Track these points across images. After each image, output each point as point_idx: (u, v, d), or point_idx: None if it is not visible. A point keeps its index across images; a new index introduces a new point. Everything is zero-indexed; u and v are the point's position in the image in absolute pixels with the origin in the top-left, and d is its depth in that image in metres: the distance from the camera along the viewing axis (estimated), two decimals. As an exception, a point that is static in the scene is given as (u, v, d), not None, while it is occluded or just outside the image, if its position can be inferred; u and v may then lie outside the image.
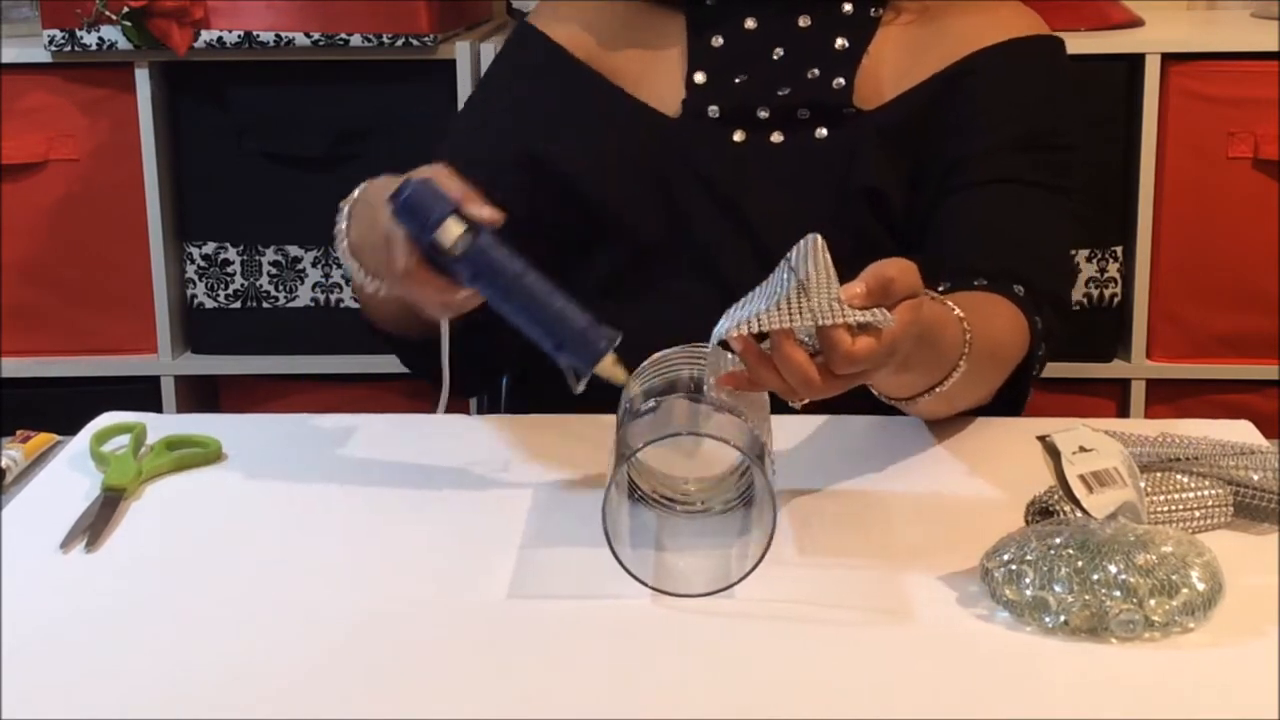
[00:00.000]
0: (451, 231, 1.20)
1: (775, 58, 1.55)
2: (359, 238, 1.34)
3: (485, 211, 1.21)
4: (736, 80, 1.55)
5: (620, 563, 1.10)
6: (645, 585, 1.10)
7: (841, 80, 1.54)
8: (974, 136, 1.52)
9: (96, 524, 1.23)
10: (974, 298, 1.41)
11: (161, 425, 1.42)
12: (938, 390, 1.31)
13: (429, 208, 1.21)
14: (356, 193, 1.37)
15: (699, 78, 1.56)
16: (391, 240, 1.23)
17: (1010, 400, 1.46)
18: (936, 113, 1.53)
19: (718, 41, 1.57)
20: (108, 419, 1.43)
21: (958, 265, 1.45)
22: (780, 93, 1.55)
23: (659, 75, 1.58)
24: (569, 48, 1.59)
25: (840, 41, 1.56)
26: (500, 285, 1.21)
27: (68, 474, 1.35)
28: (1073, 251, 2.20)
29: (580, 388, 1.20)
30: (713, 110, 1.55)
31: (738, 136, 1.56)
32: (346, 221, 1.36)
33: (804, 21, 1.56)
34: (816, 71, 1.55)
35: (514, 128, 1.58)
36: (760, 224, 1.53)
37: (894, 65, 1.56)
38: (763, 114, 1.55)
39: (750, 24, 1.57)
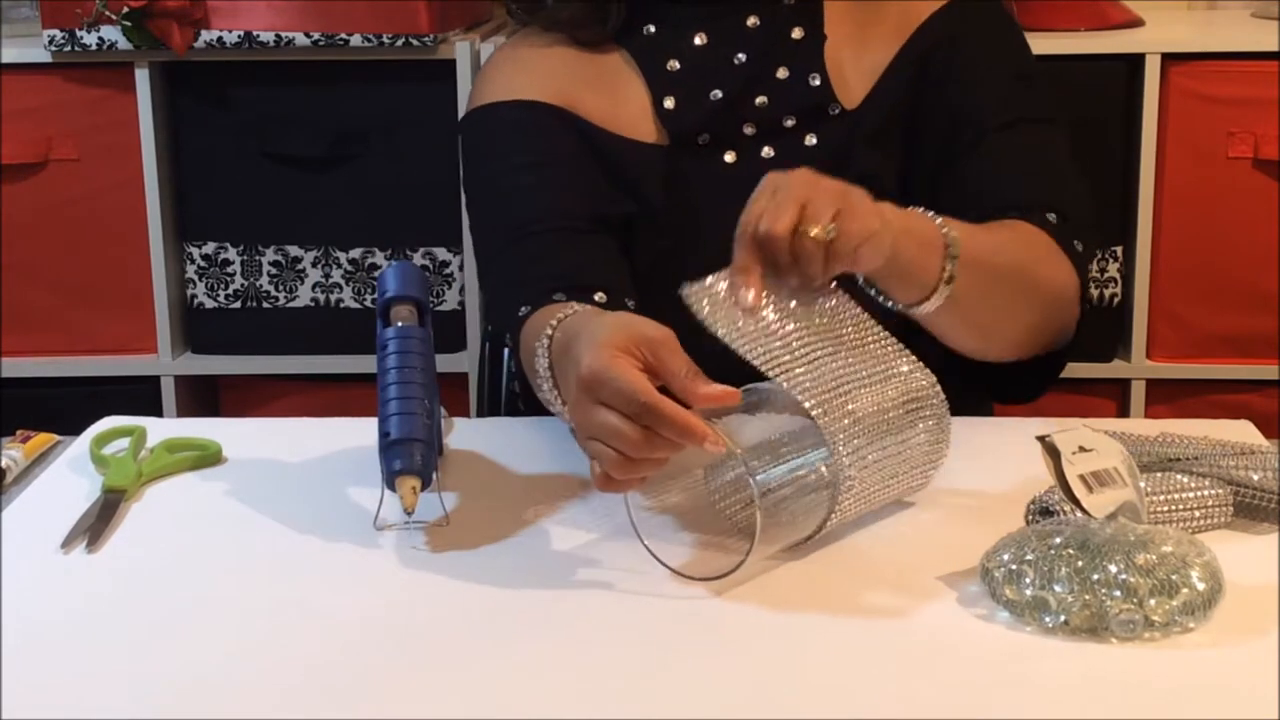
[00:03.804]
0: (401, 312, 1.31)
1: (737, 62, 1.54)
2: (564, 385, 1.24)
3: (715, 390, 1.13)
4: (711, 96, 1.53)
5: (643, 541, 1.12)
6: (663, 564, 1.13)
7: (816, 77, 1.53)
8: (967, 95, 1.52)
9: (97, 525, 1.23)
10: (1000, 225, 1.42)
11: (162, 428, 1.42)
12: (934, 296, 1.30)
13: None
14: (552, 328, 1.26)
15: (668, 103, 1.54)
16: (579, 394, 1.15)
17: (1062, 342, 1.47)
18: (916, 95, 1.53)
19: (673, 65, 1.54)
20: (108, 422, 1.43)
21: (990, 208, 1.46)
22: (758, 101, 1.53)
23: (629, 110, 1.55)
24: (537, 99, 1.55)
25: (796, 31, 1.54)
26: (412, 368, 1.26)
27: (68, 476, 1.35)
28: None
29: None
30: (703, 138, 1.54)
31: (729, 158, 1.54)
32: (548, 363, 1.26)
33: (753, 21, 1.54)
34: (786, 71, 1.53)
35: (557, 183, 1.53)
36: None
37: (851, 53, 1.55)
38: (749, 130, 1.54)
39: (700, 40, 1.54)
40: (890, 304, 1.32)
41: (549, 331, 1.27)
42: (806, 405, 1.14)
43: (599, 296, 1.40)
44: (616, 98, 1.55)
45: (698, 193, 1.53)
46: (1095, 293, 2.30)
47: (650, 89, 1.54)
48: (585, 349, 1.15)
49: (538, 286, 1.41)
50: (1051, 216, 1.46)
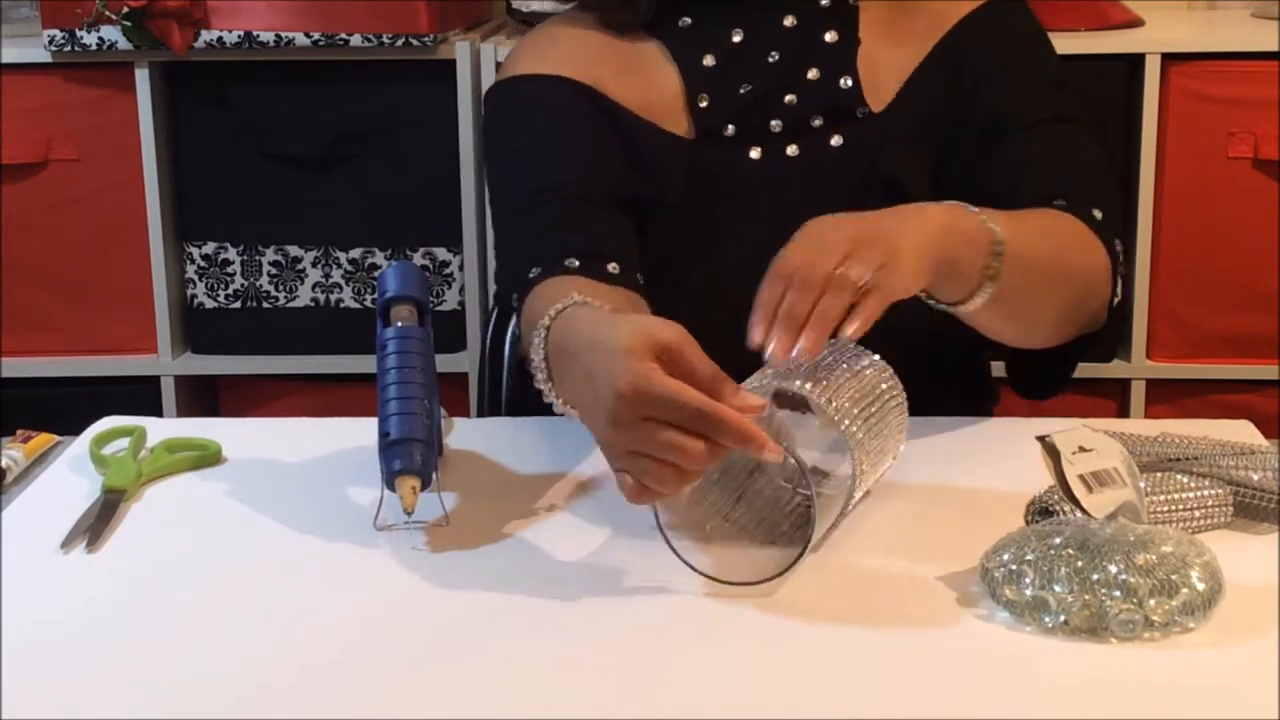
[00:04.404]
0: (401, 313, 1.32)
1: (771, 60, 1.54)
2: (573, 395, 1.22)
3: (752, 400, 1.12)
4: (741, 90, 1.54)
5: (674, 550, 1.12)
6: (696, 570, 1.12)
7: (848, 79, 1.53)
8: (1005, 94, 1.53)
9: (97, 525, 1.23)
10: (1038, 214, 1.43)
11: (161, 428, 1.42)
12: (979, 293, 1.31)
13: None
14: (550, 318, 1.24)
15: (703, 102, 1.54)
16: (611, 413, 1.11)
17: (1091, 336, 1.49)
18: (948, 98, 1.54)
19: (709, 61, 1.55)
20: (108, 422, 1.43)
21: (1034, 195, 1.47)
22: (787, 99, 1.53)
23: (660, 99, 1.55)
24: (567, 75, 1.56)
25: (830, 35, 1.55)
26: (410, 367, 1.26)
27: (68, 476, 1.35)
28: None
29: None
30: (729, 130, 1.54)
31: (754, 154, 1.54)
32: (545, 365, 1.25)
33: (789, 21, 1.55)
34: (816, 72, 1.54)
35: (576, 158, 1.52)
36: (779, 240, 1.53)
37: (882, 54, 1.56)
38: (776, 127, 1.54)
39: (737, 37, 1.55)
40: (933, 303, 1.32)
41: (545, 322, 1.24)
42: (828, 409, 1.14)
43: (612, 267, 1.40)
44: (648, 86, 1.56)
45: (719, 186, 1.54)
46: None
47: (685, 82, 1.55)
48: (607, 361, 1.11)
49: (551, 251, 1.41)
50: (1097, 213, 1.47)
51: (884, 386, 1.22)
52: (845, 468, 1.15)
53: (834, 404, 1.15)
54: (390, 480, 1.20)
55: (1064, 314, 1.45)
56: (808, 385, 1.15)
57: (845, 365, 1.20)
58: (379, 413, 1.23)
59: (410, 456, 1.20)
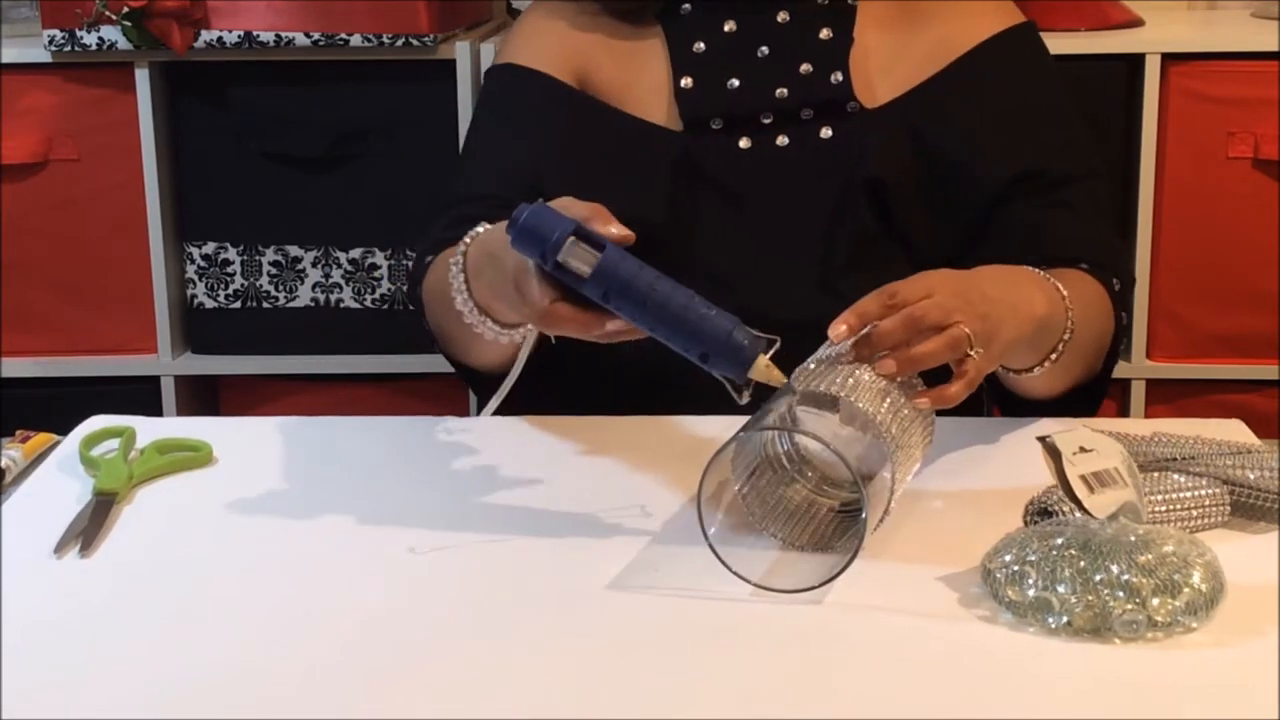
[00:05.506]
0: (575, 251, 1.14)
1: (760, 56, 1.55)
2: (489, 289, 1.29)
3: (613, 228, 1.16)
4: (729, 85, 1.55)
5: (719, 557, 1.12)
6: (742, 578, 1.12)
7: (839, 75, 1.54)
8: (1036, 143, 1.54)
9: (90, 528, 1.23)
10: (1088, 288, 1.46)
11: (151, 428, 1.41)
12: (1038, 368, 1.37)
13: (548, 229, 1.14)
14: (466, 244, 1.32)
15: (686, 82, 1.55)
16: (522, 279, 1.17)
17: (1093, 390, 1.52)
18: (949, 119, 1.54)
19: (699, 47, 1.56)
20: (96, 422, 1.42)
21: (1056, 256, 1.48)
22: (778, 93, 1.54)
23: (645, 87, 1.56)
24: (554, 74, 1.58)
25: (824, 32, 1.55)
26: (635, 300, 1.14)
27: (57, 477, 1.34)
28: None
29: (744, 399, 1.14)
30: (715, 122, 1.55)
31: (744, 143, 1.55)
32: (463, 276, 1.32)
33: (783, 17, 1.56)
34: (809, 67, 1.54)
35: (518, 168, 1.55)
36: (767, 229, 1.53)
37: (880, 55, 1.56)
38: (766, 119, 1.55)
39: (729, 26, 1.56)
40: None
41: (462, 249, 1.31)
42: (869, 411, 1.14)
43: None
44: (640, 75, 1.57)
45: (708, 174, 1.54)
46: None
47: (672, 66, 1.56)
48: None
49: (450, 239, 1.42)
50: (1116, 284, 1.50)
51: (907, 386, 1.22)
52: (884, 473, 1.15)
53: (873, 411, 1.15)
54: (743, 380, 1.13)
55: (1076, 377, 1.48)
56: (834, 386, 1.16)
57: (871, 369, 1.20)
58: (676, 344, 1.14)
59: (742, 345, 1.13)
